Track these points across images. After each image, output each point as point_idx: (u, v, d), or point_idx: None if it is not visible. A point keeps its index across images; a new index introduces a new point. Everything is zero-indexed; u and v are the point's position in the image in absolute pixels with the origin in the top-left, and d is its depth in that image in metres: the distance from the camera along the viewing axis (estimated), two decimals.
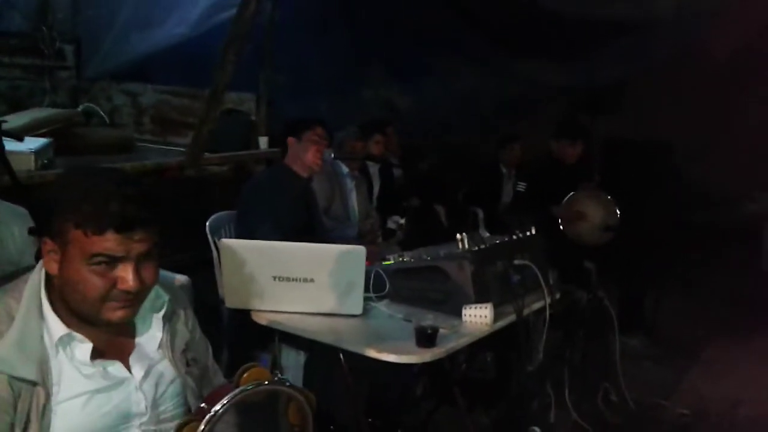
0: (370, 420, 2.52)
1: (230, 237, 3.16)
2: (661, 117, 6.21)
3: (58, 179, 1.41)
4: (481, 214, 5.64)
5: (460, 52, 5.67)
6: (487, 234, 5.37)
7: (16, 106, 5.31)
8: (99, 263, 1.32)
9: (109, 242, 1.31)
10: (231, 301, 2.20)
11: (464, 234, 2.44)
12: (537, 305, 2.60)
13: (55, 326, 1.38)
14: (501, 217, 5.55)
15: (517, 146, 5.71)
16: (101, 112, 5.67)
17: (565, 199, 4.61)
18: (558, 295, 2.77)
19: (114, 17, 5.57)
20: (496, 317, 2.33)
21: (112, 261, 1.33)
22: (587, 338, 3.52)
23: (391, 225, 4.91)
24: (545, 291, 2.57)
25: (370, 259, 3.33)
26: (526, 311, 2.48)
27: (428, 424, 3.09)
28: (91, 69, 5.85)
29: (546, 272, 2.71)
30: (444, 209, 5.68)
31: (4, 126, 4.03)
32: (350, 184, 4.48)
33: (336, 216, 4.33)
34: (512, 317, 2.42)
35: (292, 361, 2.58)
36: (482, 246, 2.44)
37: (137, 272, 1.35)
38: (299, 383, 2.22)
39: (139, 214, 1.33)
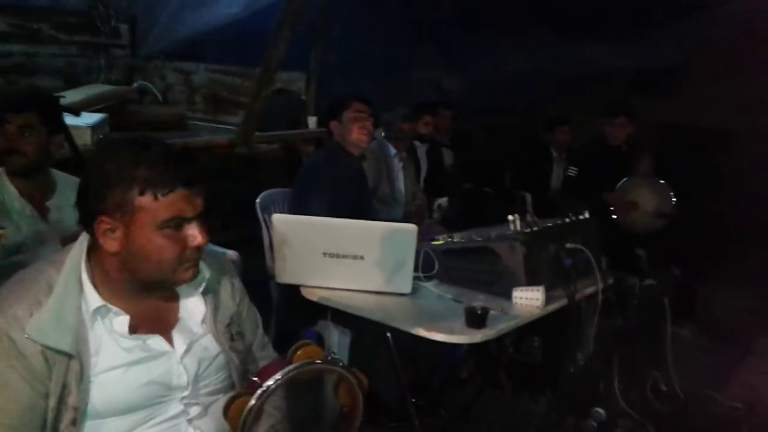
0: (414, 400, 2.52)
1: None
2: (719, 102, 6.01)
3: (92, 160, 1.39)
4: (529, 198, 5.56)
5: (511, 33, 5.57)
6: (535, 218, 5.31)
7: (73, 83, 5.43)
8: (170, 227, 1.33)
9: (180, 202, 1.31)
10: (281, 276, 2.22)
11: (516, 215, 2.40)
12: (589, 290, 2.55)
13: (92, 297, 1.37)
14: (550, 201, 5.46)
15: (567, 129, 5.59)
16: (155, 90, 5.76)
17: (619, 184, 4.52)
18: (610, 281, 2.72)
19: None
20: (547, 301, 2.29)
21: (181, 222, 1.34)
22: (638, 326, 3.45)
23: (435, 208, 4.88)
24: (598, 276, 2.52)
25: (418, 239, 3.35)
26: (577, 296, 2.44)
27: (472, 406, 3.08)
28: (145, 47, 5.95)
29: (599, 257, 2.66)
30: (492, 192, 5.62)
31: (62, 102, 4.17)
32: (398, 165, 4.45)
33: (383, 197, 4.31)
34: (563, 301, 2.38)
35: (338, 340, 2.59)
36: (534, 228, 2.40)
37: (203, 227, 1.37)
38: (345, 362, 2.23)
39: (194, 169, 1.35)
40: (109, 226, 1.33)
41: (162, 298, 1.46)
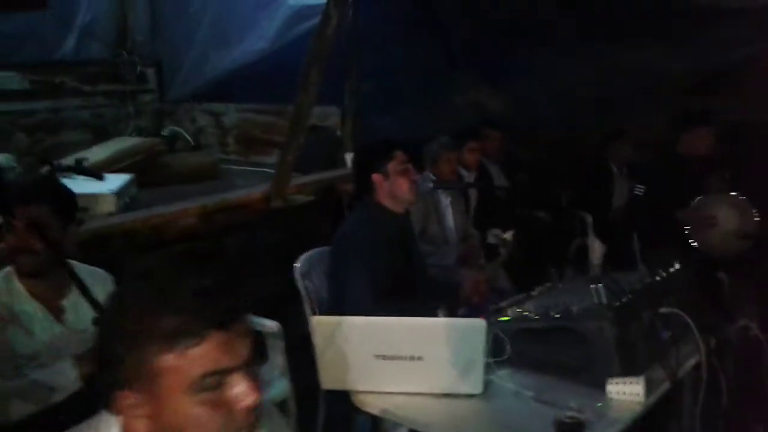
0: None
1: (321, 280, 2.87)
2: None
3: (109, 314, 1.08)
4: (589, 219, 5.13)
5: (557, 45, 5.15)
6: (602, 244, 4.91)
7: (101, 134, 5.28)
8: (207, 388, 1.00)
9: (214, 350, 0.99)
10: (327, 382, 1.88)
11: (599, 286, 2.01)
12: (690, 362, 2.14)
13: None
14: (614, 222, 5.03)
15: (627, 142, 5.15)
16: (186, 135, 5.58)
17: (693, 203, 4.07)
18: (713, 343, 2.31)
19: (193, 37, 5.45)
20: (648, 387, 1.89)
21: (221, 378, 1.01)
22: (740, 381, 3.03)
23: (491, 240, 4.50)
24: (701, 346, 2.12)
25: (478, 294, 2.97)
26: (680, 373, 2.05)
27: None
28: (173, 91, 5.78)
29: (698, 316, 2.25)
30: (547, 218, 5.21)
31: (86, 163, 3.96)
32: (445, 200, 4.12)
33: (432, 238, 3.97)
34: (665, 385, 1.98)
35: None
36: (624, 299, 2.01)
37: (252, 380, 1.03)
38: None
39: (234, 300, 1.02)
40: (131, 401, 1.02)
41: None
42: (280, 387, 2.81)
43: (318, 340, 1.79)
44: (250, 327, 1.04)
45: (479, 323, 1.78)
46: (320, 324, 1.80)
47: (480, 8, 4.84)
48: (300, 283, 2.83)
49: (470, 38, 5.07)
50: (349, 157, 4.69)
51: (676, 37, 5.09)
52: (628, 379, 1.83)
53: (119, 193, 3.48)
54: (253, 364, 1.04)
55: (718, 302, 3.61)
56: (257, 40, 5.01)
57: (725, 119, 5.45)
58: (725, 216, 4.02)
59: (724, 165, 4.33)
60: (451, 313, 2.66)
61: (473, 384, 1.83)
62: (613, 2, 4.91)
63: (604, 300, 2.00)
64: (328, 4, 3.20)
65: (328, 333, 1.78)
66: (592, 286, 2.02)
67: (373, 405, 1.87)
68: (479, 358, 1.80)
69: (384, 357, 1.80)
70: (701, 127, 4.10)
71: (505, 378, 1.96)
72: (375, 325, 1.81)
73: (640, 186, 4.39)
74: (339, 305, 2.60)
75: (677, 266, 2.37)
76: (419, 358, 1.79)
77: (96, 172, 3.67)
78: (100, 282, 2.26)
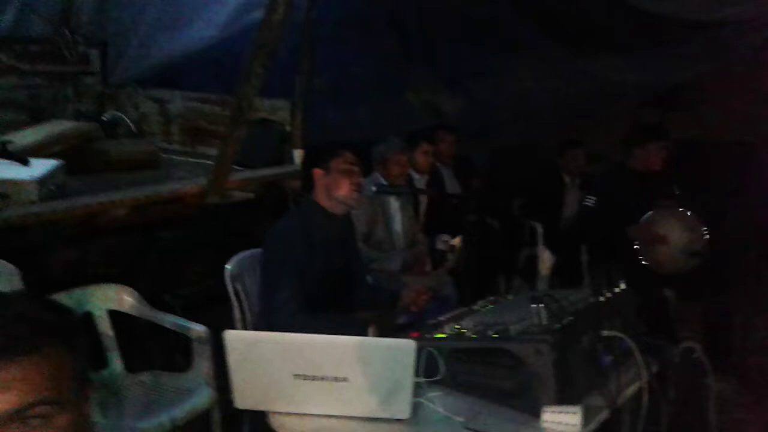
0: None
1: (255, 284, 2.70)
2: (739, 115, 5.49)
3: None
4: (540, 228, 5.06)
5: (515, 48, 5.05)
6: (552, 255, 4.81)
7: (38, 116, 4.98)
8: None
9: None
10: (242, 401, 1.72)
11: (540, 305, 1.90)
12: (632, 389, 2.05)
13: None
14: (564, 233, 4.97)
15: (580, 152, 5.10)
16: (128, 121, 5.30)
17: (643, 218, 4.01)
18: (655, 368, 2.22)
19: (140, 18, 5.18)
20: (585, 416, 1.78)
21: None
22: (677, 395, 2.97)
23: (440, 246, 4.38)
24: (642, 369, 2.02)
25: (417, 304, 2.83)
26: (619, 401, 1.95)
27: None
28: (117, 74, 5.49)
29: (641, 338, 2.16)
30: (498, 226, 5.11)
31: (11, 147, 3.69)
32: (394, 204, 3.98)
33: (378, 243, 3.83)
34: (604, 414, 1.88)
35: None
36: (565, 321, 1.89)
37: None
38: None
39: None
40: None
41: None
42: (204, 395, 2.64)
43: (231, 356, 1.62)
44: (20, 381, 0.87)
45: (408, 344, 1.64)
46: (233, 339, 1.63)
47: (439, 8, 4.70)
48: (230, 286, 2.66)
49: (428, 38, 4.93)
50: (296, 153, 4.51)
51: (636, 48, 5.05)
52: (564, 408, 1.72)
53: (43, 181, 3.23)
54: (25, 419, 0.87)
55: (662, 321, 3.58)
56: (207, 26, 4.77)
57: (680, 135, 5.47)
58: (674, 233, 3.98)
59: (676, 181, 4.30)
60: (386, 326, 2.53)
61: (400, 408, 1.69)
62: (575, 9, 4.83)
63: (545, 321, 1.89)
64: None
65: (243, 349, 1.62)
66: (532, 305, 1.91)
67: (292, 428, 1.71)
68: (407, 381, 1.66)
69: (305, 377, 1.64)
70: (655, 142, 4.04)
71: (435, 401, 1.83)
72: (295, 342, 1.65)
73: (590, 197, 4.32)
74: (268, 308, 2.45)
75: (622, 286, 2.28)
76: (343, 379, 1.64)
77: (20, 157, 3.42)
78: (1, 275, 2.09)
